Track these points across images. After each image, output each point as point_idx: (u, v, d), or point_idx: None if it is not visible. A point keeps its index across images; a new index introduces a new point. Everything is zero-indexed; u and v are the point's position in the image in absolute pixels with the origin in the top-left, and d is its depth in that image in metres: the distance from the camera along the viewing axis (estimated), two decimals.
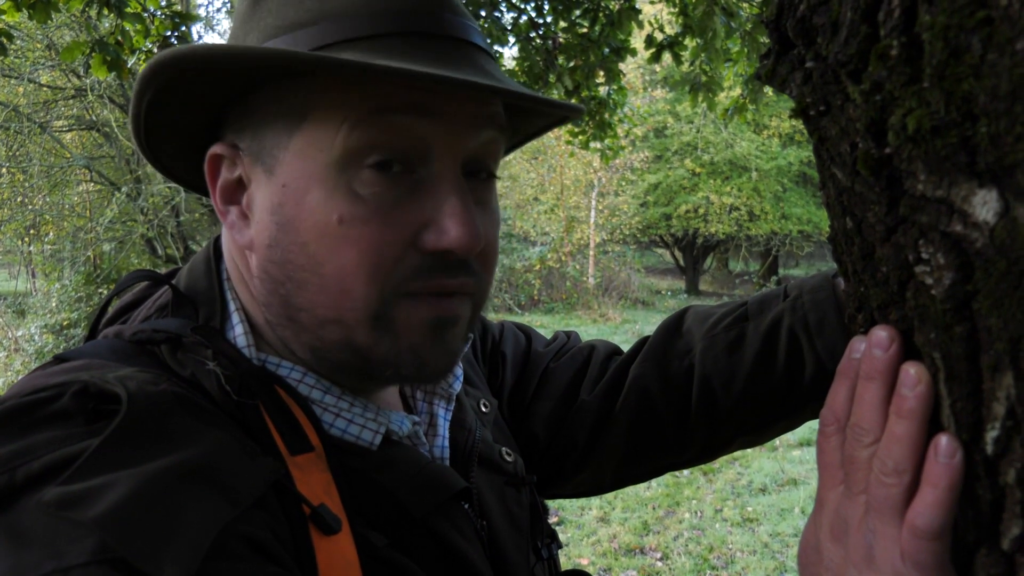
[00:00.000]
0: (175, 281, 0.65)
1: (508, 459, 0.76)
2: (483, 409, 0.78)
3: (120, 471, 0.45)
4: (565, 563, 3.82)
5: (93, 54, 2.86)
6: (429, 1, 0.56)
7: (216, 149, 0.60)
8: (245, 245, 0.60)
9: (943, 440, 0.42)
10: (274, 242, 0.57)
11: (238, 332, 0.61)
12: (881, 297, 0.47)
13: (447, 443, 0.71)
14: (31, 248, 11.56)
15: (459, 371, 0.75)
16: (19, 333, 9.10)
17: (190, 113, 0.60)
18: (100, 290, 9.21)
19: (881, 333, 0.46)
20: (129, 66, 3.08)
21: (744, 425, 0.81)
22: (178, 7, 3.69)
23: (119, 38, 3.00)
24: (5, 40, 2.97)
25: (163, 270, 0.71)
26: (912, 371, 0.44)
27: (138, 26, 3.09)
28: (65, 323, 8.88)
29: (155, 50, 3.16)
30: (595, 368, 0.89)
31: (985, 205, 0.37)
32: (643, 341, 0.89)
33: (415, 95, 0.54)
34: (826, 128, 0.46)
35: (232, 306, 0.63)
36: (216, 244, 0.68)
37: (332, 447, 0.58)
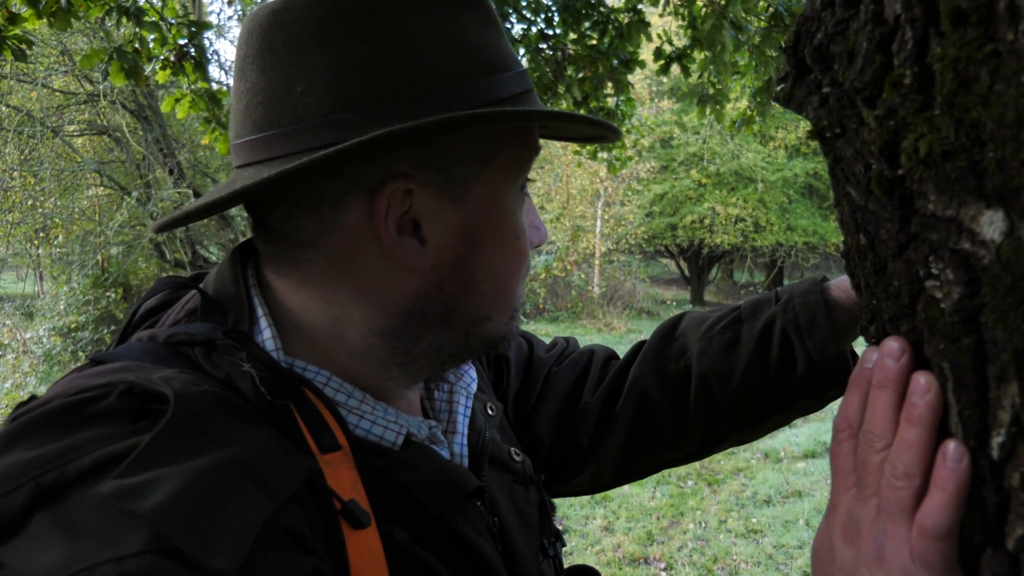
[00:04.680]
0: (202, 286, 0.67)
1: (517, 459, 0.79)
2: (490, 412, 0.81)
3: (170, 466, 0.46)
4: None
5: (112, 62, 2.90)
6: (516, 58, 0.67)
7: (393, 185, 0.60)
8: (425, 270, 0.62)
9: (951, 446, 0.44)
10: (462, 261, 0.64)
11: (266, 336, 0.63)
12: (893, 310, 0.49)
13: (465, 440, 0.74)
14: (40, 251, 11.61)
15: (474, 371, 0.78)
16: (27, 335, 9.15)
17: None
18: (108, 294, 9.26)
19: (893, 344, 0.48)
20: (146, 74, 3.12)
21: (739, 421, 0.87)
22: (193, 16, 3.74)
23: (137, 46, 3.05)
24: (24, 46, 3.02)
25: (170, 275, 0.73)
26: (922, 380, 0.46)
27: (155, 34, 3.14)
28: (73, 326, 8.93)
29: (171, 58, 3.19)
30: (595, 371, 0.95)
31: (992, 225, 0.39)
32: (640, 345, 0.95)
33: (537, 136, 0.69)
34: (841, 149, 0.49)
35: (260, 311, 0.64)
36: (241, 251, 0.69)
37: (357, 446, 0.60)
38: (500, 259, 0.66)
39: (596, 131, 0.71)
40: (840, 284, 0.83)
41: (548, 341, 1.02)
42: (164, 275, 0.73)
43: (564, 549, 0.86)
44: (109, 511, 0.44)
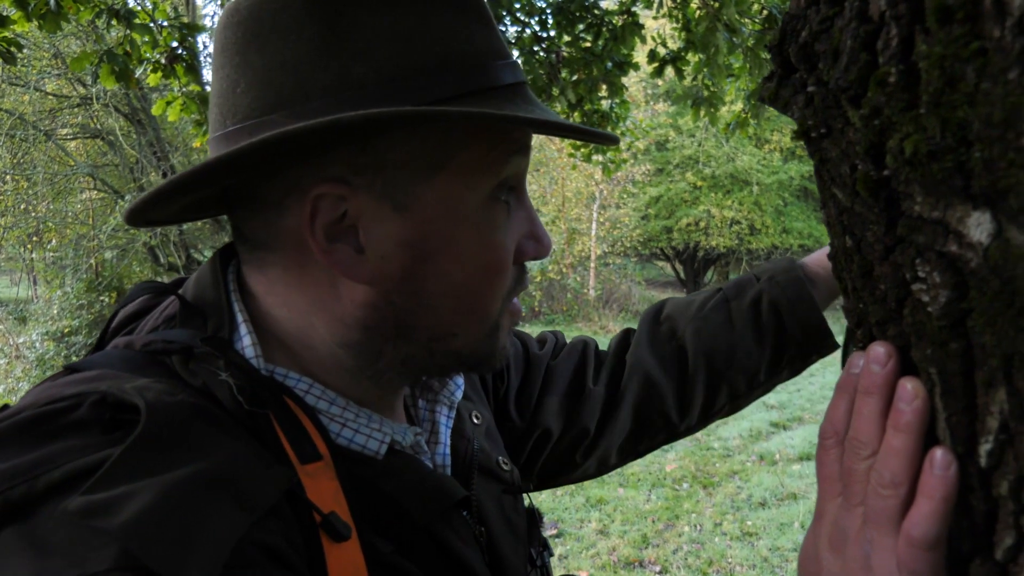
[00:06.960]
0: (182, 291, 0.66)
1: (505, 468, 0.78)
2: (475, 421, 0.80)
3: (141, 480, 0.45)
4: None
5: (102, 64, 2.88)
6: (504, 50, 0.62)
7: (322, 189, 0.57)
8: (364, 279, 0.59)
9: (938, 453, 0.43)
10: (408, 273, 0.59)
11: (246, 343, 0.61)
12: (879, 314, 0.48)
13: (448, 450, 0.73)
14: (33, 255, 11.57)
15: (460, 380, 0.77)
16: (20, 340, 9.11)
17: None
18: (101, 298, 9.22)
19: (879, 349, 0.47)
20: (136, 76, 3.11)
21: (735, 391, 0.95)
22: (185, 18, 3.73)
23: (127, 49, 3.03)
24: (14, 49, 3.00)
25: (164, 279, 0.72)
26: (909, 386, 0.45)
27: (146, 37, 3.12)
28: (66, 330, 8.89)
29: (162, 60, 3.18)
30: (592, 359, 0.99)
31: (979, 227, 0.38)
32: (625, 333, 1.01)
33: (525, 138, 0.63)
34: (827, 150, 0.48)
35: (240, 317, 0.63)
36: (223, 255, 0.68)
37: (339, 456, 0.59)
38: (461, 273, 0.60)
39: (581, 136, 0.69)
40: (815, 259, 0.95)
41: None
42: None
43: (559, 553, 0.87)
44: (77, 528, 0.43)
